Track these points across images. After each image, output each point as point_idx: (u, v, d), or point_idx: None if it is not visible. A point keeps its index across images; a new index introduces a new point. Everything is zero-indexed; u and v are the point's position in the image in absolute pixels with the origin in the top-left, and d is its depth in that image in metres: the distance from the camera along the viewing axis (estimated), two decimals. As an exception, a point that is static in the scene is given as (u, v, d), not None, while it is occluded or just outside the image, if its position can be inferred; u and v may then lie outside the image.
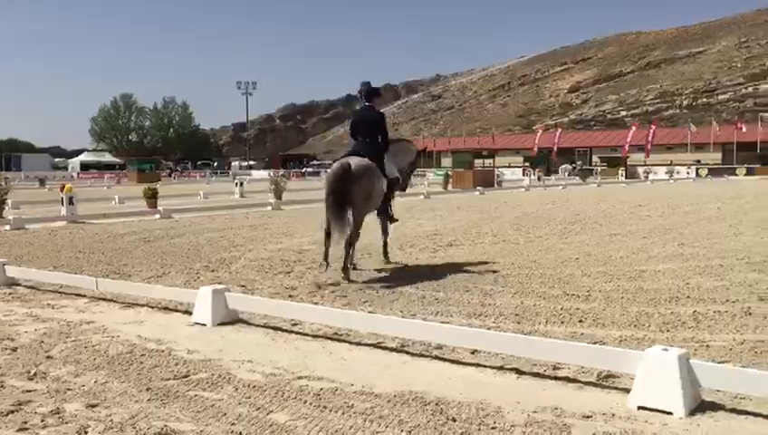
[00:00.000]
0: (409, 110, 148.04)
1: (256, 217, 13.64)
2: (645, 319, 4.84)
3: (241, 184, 23.71)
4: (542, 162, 57.23)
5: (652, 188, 31.02)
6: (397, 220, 7.90)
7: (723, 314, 4.88)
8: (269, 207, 15.85)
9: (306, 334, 4.43)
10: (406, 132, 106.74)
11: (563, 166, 50.62)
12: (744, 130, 58.81)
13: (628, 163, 53.72)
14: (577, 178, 43.27)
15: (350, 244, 6.67)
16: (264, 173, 51.76)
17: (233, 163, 79.24)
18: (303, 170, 59.48)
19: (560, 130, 66.12)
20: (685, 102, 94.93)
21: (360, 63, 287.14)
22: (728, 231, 10.47)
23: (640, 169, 52.57)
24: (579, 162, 54.74)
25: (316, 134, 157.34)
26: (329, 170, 6.99)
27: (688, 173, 52.56)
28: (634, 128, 61.97)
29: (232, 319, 4.71)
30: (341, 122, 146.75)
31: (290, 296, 5.58)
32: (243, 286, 6.03)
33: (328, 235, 6.57)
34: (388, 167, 7.54)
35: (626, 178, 45.39)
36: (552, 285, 6.25)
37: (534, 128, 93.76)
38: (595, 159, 59.85)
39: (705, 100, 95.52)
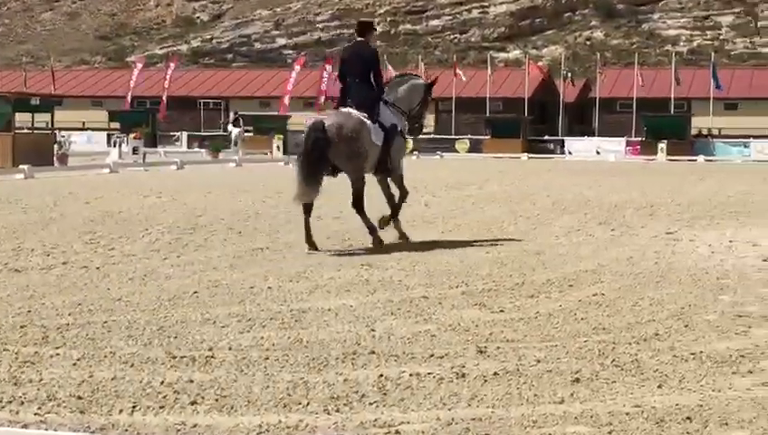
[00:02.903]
0: None
1: None
2: (302, 392, 5.52)
3: None
4: (144, 122, 58.32)
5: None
6: (407, 192, 12.81)
7: (424, 379, 5.87)
8: None
9: None
10: None
11: (234, 130, 53.19)
12: (463, 78, 69.68)
13: (288, 129, 58.61)
14: (204, 151, 45.93)
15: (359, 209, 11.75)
16: None
17: None
18: None
19: (173, 64, 68.07)
20: (379, 29, 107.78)
21: None
22: (442, 252, 12.44)
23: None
24: (234, 120, 57.80)
25: None
26: (305, 130, 11.68)
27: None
28: (298, 67, 67.74)
29: None
30: None
31: None
32: None
33: (307, 211, 11.53)
34: (385, 113, 11.85)
35: (284, 152, 49.57)
36: (148, 341, 6.70)
37: (130, 60, 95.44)
38: (232, 115, 63.54)
39: (409, 26, 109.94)
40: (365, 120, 11.69)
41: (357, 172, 11.82)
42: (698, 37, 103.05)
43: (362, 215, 11.94)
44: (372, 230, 11.93)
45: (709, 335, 7.03)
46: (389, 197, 12.58)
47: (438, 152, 58.07)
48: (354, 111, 11.72)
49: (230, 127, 57.92)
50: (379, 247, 11.69)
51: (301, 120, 69.70)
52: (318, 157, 11.41)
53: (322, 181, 11.65)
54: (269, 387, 5.58)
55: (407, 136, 13.26)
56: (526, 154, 56.50)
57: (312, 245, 11.55)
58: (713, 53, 74.70)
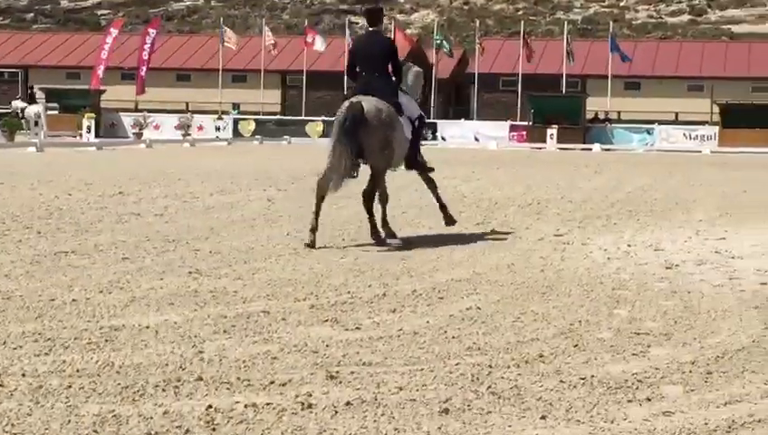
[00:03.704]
0: None
1: None
2: (112, 428, 5.35)
3: None
4: None
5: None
6: (432, 169, 14.12)
7: (262, 410, 5.75)
8: None
9: None
10: None
11: (29, 108, 51.69)
12: (320, 47, 69.79)
13: (101, 106, 57.77)
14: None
15: (383, 201, 13.28)
16: None
17: None
18: None
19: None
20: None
21: None
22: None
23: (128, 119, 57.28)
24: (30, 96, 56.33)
25: None
26: (338, 113, 12.83)
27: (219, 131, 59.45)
28: (114, 31, 66.69)
29: None
30: None
31: None
32: None
33: (322, 199, 12.74)
34: (410, 105, 13.46)
35: (96, 135, 48.87)
36: None
37: None
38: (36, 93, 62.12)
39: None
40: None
41: (386, 164, 13.17)
42: (595, 4, 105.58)
43: (371, 214, 13.25)
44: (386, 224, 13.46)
45: (602, 357, 7.21)
46: (433, 189, 14.19)
47: (285, 137, 58.05)
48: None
49: (16, 103, 56.12)
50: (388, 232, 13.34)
51: (121, 96, 69.27)
52: (356, 141, 12.53)
53: (358, 171, 12.87)
54: (71, 422, 5.48)
55: None
56: (392, 140, 56.84)
57: (313, 234, 12.63)
58: (611, 23, 76.69)
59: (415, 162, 13.79)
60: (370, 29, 13.82)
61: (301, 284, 9.92)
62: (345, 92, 13.79)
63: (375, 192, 13.25)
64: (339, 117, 12.78)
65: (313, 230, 12.59)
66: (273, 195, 20.01)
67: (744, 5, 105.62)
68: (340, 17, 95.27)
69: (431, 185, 14.12)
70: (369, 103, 12.68)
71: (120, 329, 7.77)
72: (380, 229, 13.22)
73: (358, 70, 13.54)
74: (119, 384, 6.23)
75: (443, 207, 14.15)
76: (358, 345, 7.44)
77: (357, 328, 8.03)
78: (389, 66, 13.36)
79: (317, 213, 12.68)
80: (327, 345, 7.42)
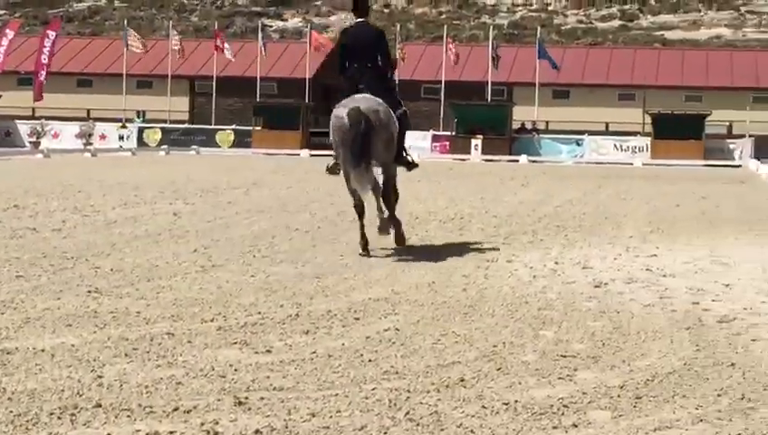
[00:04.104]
0: None
1: None
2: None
3: None
4: None
5: None
6: (416, 165, 15.39)
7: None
8: None
9: None
10: None
11: None
12: (229, 55, 69.61)
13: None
14: None
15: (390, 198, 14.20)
16: None
17: None
18: None
19: None
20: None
21: None
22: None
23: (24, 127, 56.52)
24: None
25: None
26: (334, 119, 13.49)
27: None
28: (11, 33, 66.00)
29: None
30: None
31: None
32: None
33: (361, 207, 13.88)
34: (392, 102, 14.06)
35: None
36: None
37: None
38: None
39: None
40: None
41: (392, 159, 14.19)
42: (522, 8, 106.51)
43: (393, 210, 14.33)
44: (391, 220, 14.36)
45: (526, 381, 7.26)
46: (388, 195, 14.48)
47: (194, 146, 57.85)
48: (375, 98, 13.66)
49: None
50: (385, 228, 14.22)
51: (17, 102, 68.52)
52: (368, 141, 13.21)
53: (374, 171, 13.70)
54: (-42, 454, 5.43)
55: None
56: (307, 150, 56.92)
57: (366, 248, 13.75)
58: (539, 28, 77.42)
59: (400, 158, 14.47)
60: (358, 20, 14.28)
61: (208, 303, 9.89)
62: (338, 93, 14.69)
63: (390, 187, 14.26)
64: (341, 125, 13.41)
65: (364, 245, 13.75)
66: (179, 209, 19.90)
67: (676, 11, 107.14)
68: (253, 20, 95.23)
69: (389, 189, 14.48)
70: (364, 105, 13.29)
71: (12, 352, 7.68)
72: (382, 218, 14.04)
73: (348, 63, 14.12)
74: (11, 412, 6.16)
75: (389, 215, 14.41)
76: (268, 369, 7.43)
77: (267, 351, 8.01)
78: (380, 57, 14.11)
79: (362, 229, 13.84)
80: (235, 369, 7.40)
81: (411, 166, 14.89)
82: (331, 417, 6.25)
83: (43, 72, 63.69)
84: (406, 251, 14.29)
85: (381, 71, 14.15)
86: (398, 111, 14.14)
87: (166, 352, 7.87)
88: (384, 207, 14.05)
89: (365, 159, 13.19)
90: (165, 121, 69.90)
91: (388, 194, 14.19)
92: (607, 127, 71.28)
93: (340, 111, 13.39)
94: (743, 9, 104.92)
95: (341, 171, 13.79)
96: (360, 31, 14.21)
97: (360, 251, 13.61)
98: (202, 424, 6.04)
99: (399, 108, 14.30)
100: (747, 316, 9.88)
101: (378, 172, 14.08)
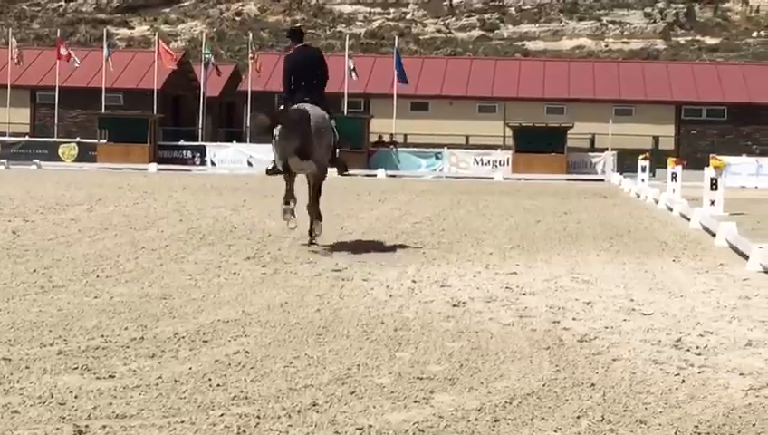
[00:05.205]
0: None
1: None
2: None
3: None
4: None
5: None
6: (347, 170, 19.10)
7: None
8: None
9: None
10: None
11: None
12: (76, 63, 68.91)
13: None
14: None
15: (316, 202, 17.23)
16: None
17: None
18: None
19: None
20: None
21: None
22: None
23: None
24: None
25: None
26: (284, 118, 16.28)
27: None
28: None
29: None
30: None
31: None
32: None
33: (288, 170, 16.73)
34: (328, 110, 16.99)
35: None
36: None
37: None
38: None
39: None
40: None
41: (325, 164, 17.01)
42: (379, 16, 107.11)
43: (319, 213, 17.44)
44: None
45: (381, 404, 7.30)
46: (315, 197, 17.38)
47: (35, 160, 56.96)
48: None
49: None
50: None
51: None
52: (311, 138, 16.11)
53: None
54: None
55: None
56: (155, 164, 56.48)
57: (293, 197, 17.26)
58: (397, 37, 77.94)
59: (335, 160, 17.65)
60: (299, 45, 17.41)
61: (48, 327, 9.76)
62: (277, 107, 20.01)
63: (318, 194, 17.20)
64: (293, 119, 16.09)
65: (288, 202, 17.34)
66: (18, 226, 19.59)
67: (538, 21, 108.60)
68: (97, 27, 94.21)
69: (316, 193, 17.29)
70: (313, 111, 16.24)
71: None
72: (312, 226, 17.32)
73: (293, 84, 16.92)
74: None
75: (316, 216, 17.44)
76: (111, 396, 7.36)
77: (110, 376, 7.95)
78: (319, 75, 17.06)
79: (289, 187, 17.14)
80: (76, 396, 7.33)
81: (345, 169, 18.43)
82: (176, 445, 6.22)
83: None
84: (258, 270, 14.28)
85: (321, 87, 17.10)
86: (332, 120, 17.10)
87: (2, 379, 7.77)
88: (316, 231, 17.44)
89: (308, 149, 16.08)
90: (4, 134, 68.67)
91: (316, 193, 17.19)
92: (467, 140, 71.87)
93: (292, 112, 16.23)
94: (604, 19, 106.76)
95: (282, 166, 16.57)
96: (302, 54, 17.29)
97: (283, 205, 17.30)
98: (38, 455, 5.97)
99: (332, 117, 17.16)
100: (608, 335, 10.08)
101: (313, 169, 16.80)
